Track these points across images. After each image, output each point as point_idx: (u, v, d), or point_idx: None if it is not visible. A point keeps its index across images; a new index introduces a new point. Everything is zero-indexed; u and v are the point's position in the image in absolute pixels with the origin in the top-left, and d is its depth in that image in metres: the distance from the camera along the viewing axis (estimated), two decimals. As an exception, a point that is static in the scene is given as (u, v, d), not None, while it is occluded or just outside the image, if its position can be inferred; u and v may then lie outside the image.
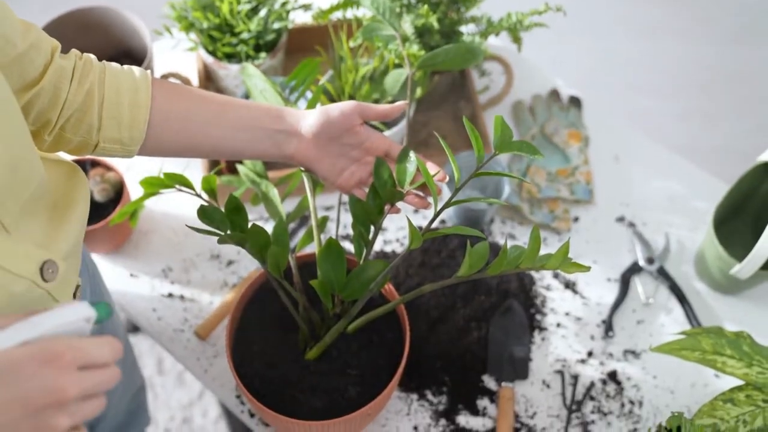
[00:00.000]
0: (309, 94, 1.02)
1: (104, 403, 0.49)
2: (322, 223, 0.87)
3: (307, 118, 0.74)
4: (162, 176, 0.78)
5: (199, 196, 0.78)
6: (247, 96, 1.13)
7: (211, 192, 0.82)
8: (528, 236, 1.10)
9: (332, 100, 1.07)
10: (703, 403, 0.83)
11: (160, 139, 0.72)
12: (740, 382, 0.90)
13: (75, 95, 0.68)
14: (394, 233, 1.11)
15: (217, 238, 0.74)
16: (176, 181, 0.78)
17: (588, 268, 0.73)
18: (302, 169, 0.81)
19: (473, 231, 0.71)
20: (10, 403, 0.44)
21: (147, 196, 0.81)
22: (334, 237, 0.81)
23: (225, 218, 0.75)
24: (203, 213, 0.75)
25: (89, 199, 0.73)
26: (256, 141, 0.74)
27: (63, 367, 0.45)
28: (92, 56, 0.71)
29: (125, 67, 0.72)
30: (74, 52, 0.70)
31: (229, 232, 0.75)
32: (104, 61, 0.72)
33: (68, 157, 0.75)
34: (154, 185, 0.79)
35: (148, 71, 0.72)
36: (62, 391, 0.45)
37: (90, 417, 0.47)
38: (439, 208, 0.72)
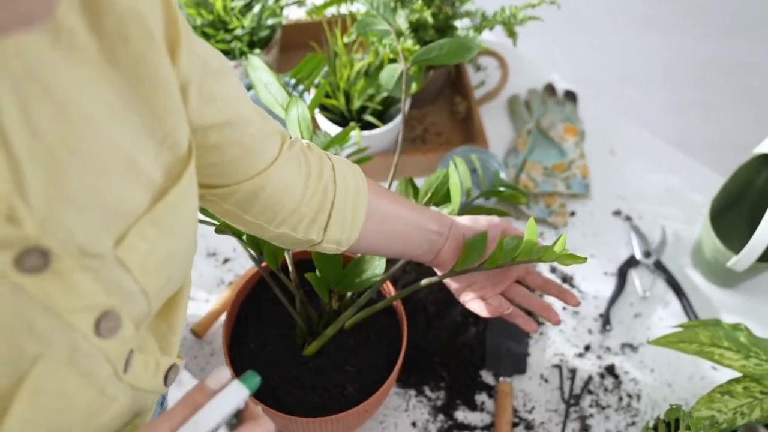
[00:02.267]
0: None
1: None
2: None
3: (458, 221, 0.76)
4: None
5: None
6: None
7: None
8: (524, 231, 1.10)
9: (327, 96, 1.07)
10: (701, 396, 0.83)
11: (361, 239, 0.70)
12: (738, 374, 0.90)
13: (314, 193, 0.64)
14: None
15: (213, 231, 0.73)
16: None
17: (584, 260, 0.73)
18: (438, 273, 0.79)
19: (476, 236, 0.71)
20: None
21: None
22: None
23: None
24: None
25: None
26: (419, 241, 0.74)
27: None
28: (318, 149, 0.68)
29: (344, 160, 0.69)
30: (301, 142, 0.66)
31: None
32: (327, 153, 0.68)
33: None
34: None
35: (357, 166, 0.70)
36: None
37: None
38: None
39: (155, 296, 0.50)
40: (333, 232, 0.67)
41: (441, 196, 0.84)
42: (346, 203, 0.67)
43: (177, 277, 0.53)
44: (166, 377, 0.58)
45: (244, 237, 0.76)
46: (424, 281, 0.78)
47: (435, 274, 1.03)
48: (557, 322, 0.76)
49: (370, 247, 0.72)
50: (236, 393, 0.52)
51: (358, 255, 0.80)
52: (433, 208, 0.78)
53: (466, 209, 0.82)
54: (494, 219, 0.77)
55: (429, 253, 0.75)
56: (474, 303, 0.76)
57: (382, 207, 0.71)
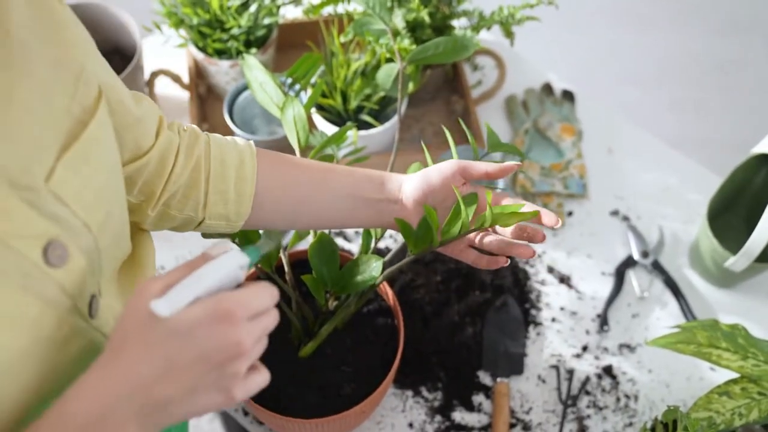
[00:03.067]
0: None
1: (267, 342, 0.53)
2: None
3: (408, 183, 0.71)
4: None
5: None
6: (239, 92, 1.12)
7: None
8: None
9: (324, 95, 1.06)
10: (699, 397, 0.83)
11: (261, 212, 0.70)
12: (735, 375, 0.89)
13: (183, 169, 0.66)
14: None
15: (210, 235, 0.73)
16: None
17: (535, 213, 0.65)
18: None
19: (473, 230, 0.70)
20: (194, 363, 0.48)
21: None
22: (326, 232, 0.81)
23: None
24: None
25: (154, 249, 0.71)
26: (357, 210, 0.71)
27: (235, 323, 0.48)
28: (196, 127, 0.69)
29: (229, 138, 0.70)
30: (177, 123, 0.68)
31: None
32: (207, 132, 0.69)
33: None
34: None
35: (251, 142, 0.70)
36: (239, 345, 0.49)
37: (260, 354, 0.52)
38: None
39: (100, 232, 0.53)
40: (215, 207, 0.67)
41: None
42: (226, 177, 0.67)
43: (117, 215, 0.57)
44: (90, 307, 0.61)
45: (237, 240, 0.76)
46: (400, 263, 0.74)
47: (430, 274, 1.03)
48: (532, 251, 0.69)
49: (279, 219, 0.71)
50: (236, 258, 0.52)
51: (355, 256, 0.79)
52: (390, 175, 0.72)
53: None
54: (448, 168, 0.69)
55: (379, 219, 0.72)
56: (466, 254, 0.72)
57: (291, 178, 0.70)
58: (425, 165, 1.02)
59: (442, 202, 0.71)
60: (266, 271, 0.77)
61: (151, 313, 0.48)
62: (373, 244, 0.82)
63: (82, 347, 0.54)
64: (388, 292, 0.88)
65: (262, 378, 0.52)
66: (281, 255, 0.83)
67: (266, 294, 0.52)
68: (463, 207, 0.65)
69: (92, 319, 0.54)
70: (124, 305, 0.50)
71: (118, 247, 0.60)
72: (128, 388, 0.47)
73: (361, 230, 1.09)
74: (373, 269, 0.75)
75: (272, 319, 0.53)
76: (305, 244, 1.04)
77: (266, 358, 0.85)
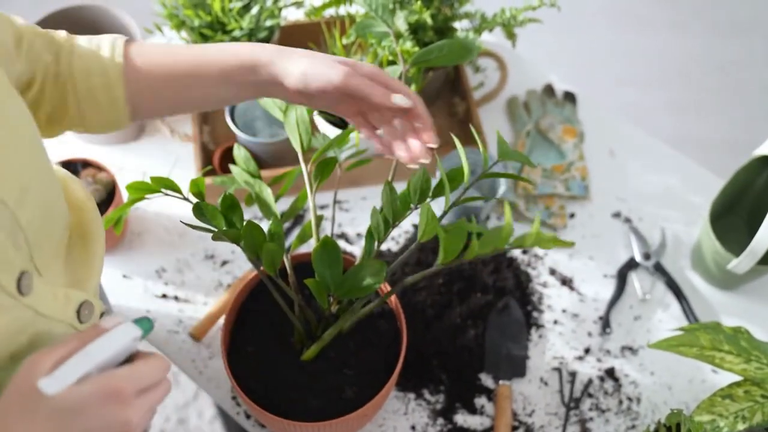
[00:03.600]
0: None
1: (156, 411, 0.54)
2: (318, 222, 0.87)
3: (289, 78, 0.68)
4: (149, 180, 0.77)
5: (186, 199, 0.77)
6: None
7: (200, 195, 0.80)
8: (524, 232, 1.10)
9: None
10: (701, 399, 0.83)
11: (141, 109, 0.72)
12: (738, 378, 0.89)
13: (53, 91, 0.68)
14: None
15: (210, 238, 0.73)
16: (163, 185, 0.77)
17: (572, 244, 0.70)
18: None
19: (478, 227, 0.70)
20: None
21: (132, 202, 0.79)
22: (329, 236, 0.80)
23: (220, 215, 0.74)
24: (198, 210, 0.74)
25: (104, 233, 0.72)
26: (240, 92, 0.72)
27: (124, 401, 0.49)
28: (60, 35, 0.70)
29: (93, 42, 0.71)
30: (42, 33, 0.69)
31: (224, 229, 0.74)
32: (72, 41, 0.70)
33: (81, 193, 0.72)
34: (140, 190, 0.77)
35: (118, 41, 0.71)
36: (126, 424, 0.49)
37: (147, 424, 0.52)
38: (449, 205, 0.72)
39: (19, 208, 0.53)
40: (93, 119, 0.71)
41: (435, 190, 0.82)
42: (93, 90, 0.69)
43: (38, 189, 0.56)
44: (79, 312, 0.61)
45: (242, 243, 0.75)
46: (409, 278, 0.76)
47: (433, 277, 1.03)
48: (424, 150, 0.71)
49: (163, 112, 0.75)
50: (129, 332, 0.52)
51: (357, 260, 0.79)
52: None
53: (458, 201, 0.80)
54: (329, 83, 0.66)
55: (269, 95, 0.72)
56: (377, 140, 0.73)
57: (161, 80, 0.71)
58: (430, 168, 1.02)
59: (325, 103, 0.71)
60: (270, 275, 0.77)
61: (37, 390, 0.47)
62: (375, 249, 0.82)
63: (7, 324, 0.53)
64: (392, 296, 0.88)
65: None
66: (284, 258, 0.82)
67: (157, 367, 0.52)
68: (505, 231, 0.68)
69: (23, 296, 0.54)
70: (11, 379, 0.50)
71: (50, 224, 0.60)
72: None
73: (363, 232, 1.09)
74: (377, 274, 0.74)
75: (163, 390, 0.53)
76: (308, 247, 1.04)
77: (269, 361, 0.85)
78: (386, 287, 0.88)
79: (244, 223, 0.74)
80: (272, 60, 0.69)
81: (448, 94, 1.23)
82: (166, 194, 0.77)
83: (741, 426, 0.80)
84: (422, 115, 0.69)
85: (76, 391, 0.48)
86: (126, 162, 1.14)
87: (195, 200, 0.80)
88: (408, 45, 0.99)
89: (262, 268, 0.81)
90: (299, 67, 0.68)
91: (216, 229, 0.73)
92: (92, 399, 0.48)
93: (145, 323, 0.55)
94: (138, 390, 0.50)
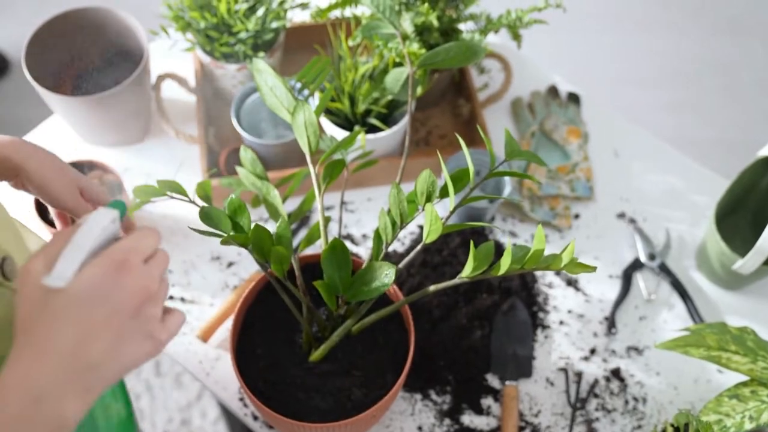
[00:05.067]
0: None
1: (168, 282, 0.55)
2: (326, 223, 0.87)
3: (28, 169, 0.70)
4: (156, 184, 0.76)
5: (193, 202, 0.77)
6: (247, 96, 1.12)
7: (206, 198, 0.80)
8: (529, 233, 1.10)
9: (331, 99, 1.06)
10: (707, 399, 0.83)
11: None
12: (744, 378, 0.90)
13: None
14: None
15: (216, 239, 0.73)
16: (169, 188, 0.77)
17: (594, 269, 0.72)
18: None
19: (484, 224, 0.71)
20: (111, 317, 0.48)
21: (138, 206, 0.79)
22: (338, 237, 0.81)
23: (227, 219, 0.74)
24: (205, 215, 0.74)
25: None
26: None
27: (133, 269, 0.50)
28: None
29: None
30: None
31: (231, 233, 0.75)
32: None
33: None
34: (146, 194, 0.77)
35: None
36: (146, 288, 0.50)
37: (167, 295, 0.55)
38: (453, 206, 0.73)
39: None
40: None
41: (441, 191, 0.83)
42: None
43: None
44: (3, 267, 0.61)
45: (250, 246, 0.75)
46: (431, 287, 0.77)
47: (438, 278, 1.03)
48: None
49: None
50: (105, 215, 0.53)
51: (365, 262, 0.79)
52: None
53: (464, 201, 0.80)
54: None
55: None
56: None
57: None
58: (436, 169, 1.02)
59: None
60: (278, 276, 0.77)
61: (46, 290, 0.47)
62: (383, 251, 0.82)
63: None
64: (399, 296, 0.88)
65: (179, 318, 0.54)
66: (292, 260, 0.83)
67: (150, 235, 0.53)
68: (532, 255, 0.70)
69: (8, 281, 0.56)
70: (17, 297, 0.49)
71: None
72: (51, 364, 0.46)
73: (368, 233, 1.10)
74: (386, 276, 0.75)
75: (164, 257, 0.54)
76: (314, 249, 1.05)
77: (277, 363, 0.86)
78: (395, 289, 0.88)
79: (252, 226, 0.74)
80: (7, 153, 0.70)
81: (452, 96, 1.23)
82: (172, 197, 0.77)
83: (748, 426, 0.81)
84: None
85: (84, 275, 0.48)
86: (131, 163, 1.15)
87: (201, 203, 0.80)
88: (414, 47, 0.99)
89: (270, 270, 0.81)
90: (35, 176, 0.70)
91: (224, 234, 0.73)
92: (104, 276, 0.48)
93: (119, 204, 0.57)
94: (141, 258, 0.51)
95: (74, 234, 0.50)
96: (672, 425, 0.81)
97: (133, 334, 0.49)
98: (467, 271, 0.73)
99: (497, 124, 1.21)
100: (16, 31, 2.26)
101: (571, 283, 1.07)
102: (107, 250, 0.50)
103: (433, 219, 0.72)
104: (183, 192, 0.76)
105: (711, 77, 2.29)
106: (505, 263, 0.72)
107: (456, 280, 0.75)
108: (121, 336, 0.49)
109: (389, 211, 0.77)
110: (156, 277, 0.51)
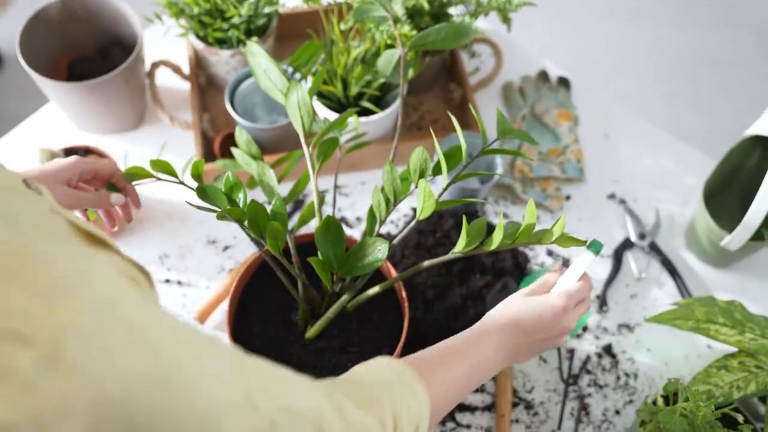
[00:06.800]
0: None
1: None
2: (320, 202, 0.88)
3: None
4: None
5: (182, 183, 0.77)
6: (240, 81, 1.13)
7: (198, 178, 0.80)
8: (520, 215, 1.12)
9: (324, 83, 1.07)
10: (697, 372, 0.85)
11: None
12: (732, 350, 0.91)
13: None
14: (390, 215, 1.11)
15: (212, 222, 0.74)
16: (160, 168, 0.76)
17: (584, 242, 0.74)
18: None
19: (478, 201, 0.72)
20: (558, 335, 0.74)
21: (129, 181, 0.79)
22: (331, 215, 0.82)
23: (223, 196, 0.76)
24: (202, 192, 0.75)
25: None
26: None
27: (572, 311, 0.74)
28: None
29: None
30: None
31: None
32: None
33: None
34: (136, 176, 0.78)
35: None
36: (570, 328, 0.74)
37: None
38: (447, 182, 0.74)
39: None
40: None
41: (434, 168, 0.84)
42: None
43: None
44: None
45: (246, 223, 0.77)
46: (425, 262, 0.79)
47: (434, 256, 1.04)
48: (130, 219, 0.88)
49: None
50: (589, 256, 0.75)
51: (361, 239, 0.80)
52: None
53: (457, 178, 0.81)
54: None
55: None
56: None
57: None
58: (429, 149, 1.03)
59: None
60: (274, 253, 0.79)
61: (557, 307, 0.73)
62: (376, 228, 0.83)
63: None
64: (393, 274, 0.89)
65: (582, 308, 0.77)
66: (287, 238, 0.84)
67: (588, 288, 0.75)
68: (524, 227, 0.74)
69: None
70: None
71: None
72: (506, 348, 0.71)
73: (362, 216, 1.11)
74: (379, 252, 0.76)
75: (587, 307, 0.77)
76: (309, 229, 1.06)
77: (273, 340, 0.87)
78: (389, 266, 0.89)
79: (248, 202, 0.75)
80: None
81: (444, 81, 1.24)
82: (159, 179, 0.77)
83: (736, 395, 0.82)
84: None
85: (566, 299, 0.73)
86: (127, 150, 1.16)
87: (192, 185, 0.80)
88: (406, 29, 1.00)
89: (265, 247, 0.82)
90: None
91: (219, 209, 0.74)
92: (567, 306, 0.73)
93: (597, 245, 0.74)
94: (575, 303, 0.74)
95: (577, 264, 0.75)
96: (662, 395, 0.82)
97: (548, 347, 0.75)
98: (460, 246, 0.75)
99: (488, 108, 1.22)
100: (9, 27, 2.26)
101: (565, 263, 1.09)
102: (578, 288, 0.74)
103: (426, 195, 0.73)
104: (172, 172, 0.76)
105: (704, 68, 2.31)
106: (497, 238, 0.73)
107: (449, 255, 0.76)
108: (541, 351, 0.75)
109: (383, 188, 0.79)
110: (576, 321, 0.75)
